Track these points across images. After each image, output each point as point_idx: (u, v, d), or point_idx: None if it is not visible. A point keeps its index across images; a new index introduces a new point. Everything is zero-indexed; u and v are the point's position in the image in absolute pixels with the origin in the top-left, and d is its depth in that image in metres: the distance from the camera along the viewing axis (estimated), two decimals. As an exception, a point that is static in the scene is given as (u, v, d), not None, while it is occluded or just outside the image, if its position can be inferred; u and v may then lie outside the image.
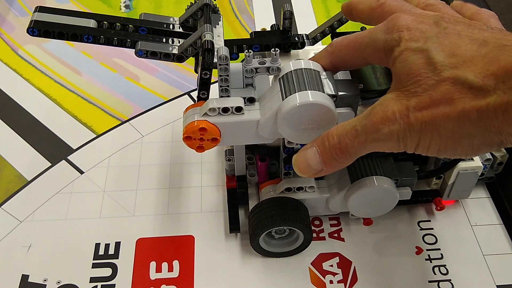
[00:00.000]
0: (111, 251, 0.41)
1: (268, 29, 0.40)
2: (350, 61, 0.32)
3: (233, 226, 0.41)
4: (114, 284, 0.39)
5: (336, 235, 0.42)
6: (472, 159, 0.40)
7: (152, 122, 0.51)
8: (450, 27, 0.28)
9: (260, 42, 0.38)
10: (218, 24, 0.38)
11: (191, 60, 0.38)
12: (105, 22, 0.37)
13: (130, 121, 0.51)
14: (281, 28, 0.39)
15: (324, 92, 0.31)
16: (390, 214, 0.41)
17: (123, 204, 0.44)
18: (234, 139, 0.35)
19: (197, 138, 0.33)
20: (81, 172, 0.47)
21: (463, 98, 0.25)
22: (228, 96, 0.33)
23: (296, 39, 0.38)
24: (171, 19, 0.39)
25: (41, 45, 0.59)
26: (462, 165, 0.39)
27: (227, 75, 0.32)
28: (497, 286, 0.39)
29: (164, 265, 0.40)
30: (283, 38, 0.38)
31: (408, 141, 0.27)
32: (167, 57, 0.36)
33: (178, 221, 0.43)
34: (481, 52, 0.26)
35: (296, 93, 0.31)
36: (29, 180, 0.46)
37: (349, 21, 0.37)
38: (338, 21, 0.38)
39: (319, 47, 0.37)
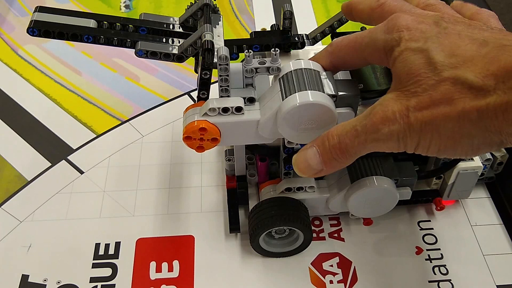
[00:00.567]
0: (111, 251, 0.41)
1: (268, 29, 0.40)
2: (350, 61, 0.32)
3: (233, 226, 0.41)
4: (114, 284, 0.39)
5: (336, 235, 0.42)
6: (472, 159, 0.40)
7: (152, 122, 0.51)
8: (450, 27, 0.28)
9: (260, 42, 0.38)
10: (218, 24, 0.38)
11: (191, 60, 0.38)
12: (105, 22, 0.37)
13: (130, 121, 0.51)
14: (281, 28, 0.39)
15: (324, 92, 0.31)
16: (390, 214, 0.41)
17: (123, 204, 0.44)
18: (234, 139, 0.35)
19: (197, 138, 0.33)
20: (81, 172, 0.47)
21: (463, 98, 0.25)
22: (228, 96, 0.33)
23: (296, 39, 0.38)
24: (171, 19, 0.39)
25: (41, 45, 0.59)
26: (462, 165, 0.39)
27: (227, 75, 0.32)
28: (497, 286, 0.39)
29: (164, 265, 0.40)
30: (283, 38, 0.38)
31: (408, 141, 0.27)
32: (167, 57, 0.36)
33: (178, 221, 0.43)
34: (481, 52, 0.26)
35: (296, 93, 0.31)
36: (29, 180, 0.46)
37: (349, 21, 0.37)
38: (338, 21, 0.38)
39: (319, 47, 0.37)
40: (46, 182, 0.46)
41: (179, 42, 0.36)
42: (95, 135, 0.50)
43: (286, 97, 0.32)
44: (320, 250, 0.41)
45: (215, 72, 0.32)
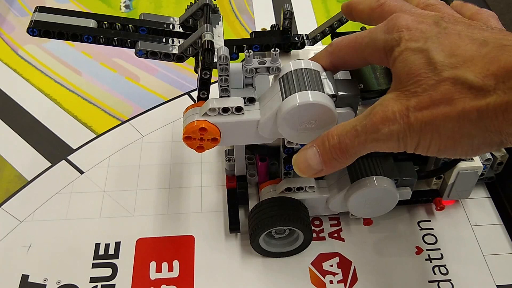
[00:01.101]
0: (111, 251, 0.41)
1: (268, 29, 0.40)
2: (350, 61, 0.32)
3: (233, 226, 0.41)
4: (114, 284, 0.39)
5: (336, 235, 0.42)
6: (472, 159, 0.40)
7: (152, 122, 0.51)
8: (450, 27, 0.28)
9: (260, 42, 0.38)
10: (218, 24, 0.38)
11: (191, 60, 0.38)
12: (105, 22, 0.37)
13: (130, 121, 0.51)
14: (281, 28, 0.39)
15: (324, 92, 0.31)
16: (390, 214, 0.41)
17: (123, 204, 0.44)
18: (234, 139, 0.35)
19: (197, 138, 0.33)
20: (81, 172, 0.47)
21: (463, 98, 0.25)
22: (228, 96, 0.33)
23: (296, 39, 0.38)
24: (171, 19, 0.39)
25: (41, 45, 0.59)
26: (462, 165, 0.39)
27: (227, 75, 0.32)
28: (497, 286, 0.39)
29: (164, 265, 0.40)
30: (283, 38, 0.38)
31: (408, 141, 0.27)
32: (167, 57, 0.36)
33: (178, 221, 0.43)
34: (481, 52, 0.26)
35: (296, 93, 0.31)
36: (29, 180, 0.46)
37: (349, 21, 0.37)
38: (338, 21, 0.38)
39: (319, 47, 0.37)
40: (46, 182, 0.46)
41: (179, 42, 0.36)
42: (95, 135, 0.50)
43: (286, 97, 0.32)
44: (320, 250, 0.41)
45: (215, 72, 0.32)
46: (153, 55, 0.35)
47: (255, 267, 0.40)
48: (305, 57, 0.36)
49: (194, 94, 0.54)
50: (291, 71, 0.33)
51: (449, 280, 0.39)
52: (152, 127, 0.51)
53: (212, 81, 0.34)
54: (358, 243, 0.42)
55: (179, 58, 0.36)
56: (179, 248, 0.41)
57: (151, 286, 0.39)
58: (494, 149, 0.27)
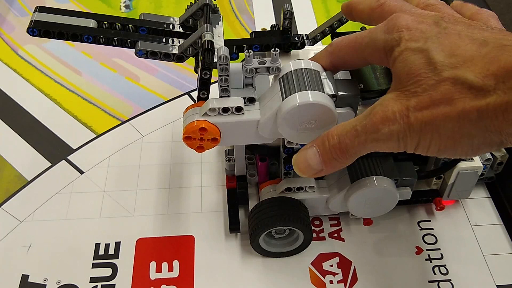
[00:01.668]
0: (111, 251, 0.41)
1: (268, 29, 0.40)
2: (350, 61, 0.32)
3: (233, 226, 0.41)
4: (114, 284, 0.39)
5: (336, 235, 0.42)
6: (472, 159, 0.40)
7: (152, 122, 0.51)
8: (450, 27, 0.28)
9: (260, 42, 0.38)
10: (218, 24, 0.38)
11: (191, 60, 0.38)
12: (105, 22, 0.37)
13: (130, 121, 0.51)
14: (281, 28, 0.39)
15: (324, 92, 0.31)
16: (390, 214, 0.41)
17: (123, 204, 0.44)
18: (234, 139, 0.35)
19: (197, 138, 0.33)
20: (81, 172, 0.47)
21: (463, 98, 0.25)
22: (228, 96, 0.33)
23: (296, 39, 0.38)
24: (171, 19, 0.39)
25: (41, 45, 0.59)
26: (462, 165, 0.39)
27: (227, 75, 0.32)
28: (497, 286, 0.39)
29: (164, 265, 0.40)
30: (283, 38, 0.38)
31: (408, 141, 0.27)
32: (167, 57, 0.36)
33: (178, 221, 0.43)
34: (481, 52, 0.26)
35: (296, 93, 0.31)
36: (29, 180, 0.46)
37: (349, 21, 0.37)
38: (338, 21, 0.38)
39: (319, 47, 0.37)
40: (46, 182, 0.46)
41: (179, 42, 0.36)
42: (95, 135, 0.50)
43: (286, 97, 0.32)
44: (320, 250, 0.41)
45: (215, 72, 0.32)
46: (153, 55, 0.35)
47: (255, 267, 0.40)
48: (305, 57, 0.36)
49: (194, 94, 0.54)
50: (291, 71, 0.33)
51: (449, 280, 0.39)
52: (152, 127, 0.51)
53: (212, 81, 0.34)
54: (358, 243, 0.42)
55: (179, 58, 0.36)
56: (179, 248, 0.41)
57: (151, 286, 0.39)
58: (494, 149, 0.27)
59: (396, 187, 0.37)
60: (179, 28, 0.38)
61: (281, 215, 0.37)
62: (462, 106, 0.25)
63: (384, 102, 0.28)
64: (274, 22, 0.55)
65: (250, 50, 0.33)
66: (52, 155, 0.48)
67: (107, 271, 0.40)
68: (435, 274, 0.40)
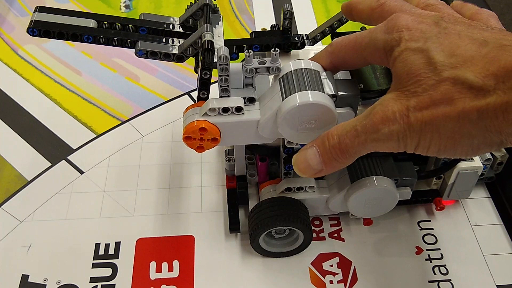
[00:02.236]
0: (111, 251, 0.41)
1: (268, 29, 0.40)
2: (350, 61, 0.32)
3: (233, 226, 0.41)
4: (114, 284, 0.39)
5: (336, 235, 0.42)
6: (472, 159, 0.40)
7: (152, 122, 0.51)
8: (450, 27, 0.28)
9: (260, 42, 0.38)
10: (218, 24, 0.38)
11: (191, 60, 0.38)
12: (105, 22, 0.37)
13: (130, 121, 0.51)
14: (281, 28, 0.39)
15: (324, 92, 0.32)
16: (390, 214, 0.41)
17: (123, 204, 0.44)
18: (234, 139, 0.35)
19: (197, 138, 0.33)
20: (81, 172, 0.47)
21: (463, 98, 0.25)
22: (228, 96, 0.33)
23: (296, 39, 0.38)
24: (171, 19, 0.39)
25: (41, 45, 0.59)
26: (462, 165, 0.39)
27: (227, 75, 0.32)
28: (497, 286, 0.39)
29: (164, 265, 0.40)
30: (283, 38, 0.38)
31: (408, 141, 0.27)
32: (167, 57, 0.36)
33: (178, 221, 0.43)
34: (481, 52, 0.26)
35: (296, 93, 0.31)
36: (29, 180, 0.46)
37: (349, 21, 0.37)
38: (338, 21, 0.38)
39: (319, 47, 0.37)
40: (46, 182, 0.46)
41: (179, 42, 0.36)
42: (95, 135, 0.50)
43: (286, 97, 0.32)
44: (320, 250, 0.41)
45: (215, 72, 0.32)
46: (153, 55, 0.35)
47: (255, 267, 0.40)
48: (305, 57, 0.36)
49: (194, 94, 0.54)
50: (291, 71, 0.33)
51: (449, 280, 0.39)
52: (152, 127, 0.51)
53: (212, 81, 0.34)
54: (358, 243, 0.42)
55: (179, 58, 0.36)
56: (179, 248, 0.41)
57: (151, 286, 0.39)
58: (494, 149, 0.27)
59: (396, 187, 0.37)
60: (179, 28, 0.38)
61: (281, 215, 0.37)
62: (462, 106, 0.25)
63: (384, 102, 0.28)
64: (274, 22, 0.55)
65: (250, 50, 0.33)
66: (52, 155, 0.48)
67: (107, 271, 0.40)
68: (435, 274, 0.40)
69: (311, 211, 0.40)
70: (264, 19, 0.63)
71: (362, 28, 0.38)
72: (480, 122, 0.25)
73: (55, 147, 0.49)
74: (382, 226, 0.43)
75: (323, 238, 0.42)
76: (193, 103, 0.39)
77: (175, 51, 0.36)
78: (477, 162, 0.40)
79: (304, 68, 0.32)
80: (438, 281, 0.39)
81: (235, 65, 0.34)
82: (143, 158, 0.48)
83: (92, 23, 0.36)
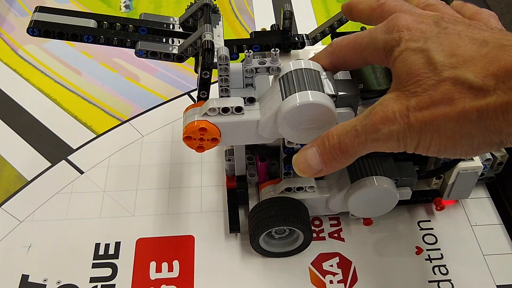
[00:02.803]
0: (111, 251, 0.41)
1: (268, 29, 0.40)
2: (350, 61, 0.32)
3: (233, 226, 0.41)
4: (114, 284, 0.39)
5: (336, 235, 0.42)
6: (472, 159, 0.40)
7: (152, 122, 0.51)
8: (450, 27, 0.28)
9: (260, 42, 0.38)
10: (218, 24, 0.38)
11: (191, 60, 0.38)
12: (105, 22, 0.37)
13: (130, 121, 0.51)
14: (281, 28, 0.39)
15: (324, 92, 0.32)
16: (390, 214, 0.41)
17: (123, 204, 0.44)
18: (234, 139, 0.35)
19: (197, 138, 0.33)
20: (81, 172, 0.47)
21: (463, 98, 0.25)
22: (228, 96, 0.33)
23: (296, 39, 0.38)
24: (171, 19, 0.39)
25: (41, 45, 0.59)
26: (462, 165, 0.39)
27: (227, 75, 0.32)
28: (497, 286, 0.39)
29: (164, 265, 0.40)
30: (283, 38, 0.38)
31: (408, 141, 0.27)
32: (167, 57, 0.36)
33: (178, 221, 0.43)
34: (481, 52, 0.26)
35: (296, 93, 0.31)
36: (29, 180, 0.46)
37: (349, 21, 0.37)
38: (338, 21, 0.38)
39: (319, 47, 0.37)
40: (46, 182, 0.46)
41: (179, 42, 0.36)
42: (95, 135, 0.50)
43: (286, 97, 0.32)
44: (320, 250, 0.41)
45: (215, 72, 0.32)
46: (153, 55, 0.35)
47: (255, 267, 0.40)
48: (305, 57, 0.36)
49: (194, 94, 0.54)
50: (291, 71, 0.33)
51: (449, 280, 0.39)
52: (152, 127, 0.51)
53: (212, 81, 0.34)
54: (358, 243, 0.42)
55: (179, 58, 0.36)
56: (179, 248, 0.41)
57: (151, 286, 0.39)
58: (494, 149, 0.27)
59: (396, 187, 0.37)
60: (179, 28, 0.38)
61: (281, 215, 0.37)
62: (462, 106, 0.25)
63: (384, 102, 0.28)
64: (274, 22, 0.55)
65: (250, 50, 0.33)
66: (52, 155, 0.48)
67: (107, 271, 0.40)
68: (435, 274, 0.40)
69: (311, 211, 0.40)
70: (264, 19, 0.63)
71: (362, 28, 0.38)
72: (480, 122, 0.25)
73: (55, 147, 0.49)
74: (382, 226, 0.43)
75: (323, 238, 0.42)
76: (193, 103, 0.39)
77: (175, 51, 0.36)
78: (477, 162, 0.40)
79: (304, 68, 0.32)
80: (438, 281, 0.39)
81: (235, 65, 0.34)
82: (143, 158, 0.48)
83: (92, 23, 0.36)
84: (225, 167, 0.43)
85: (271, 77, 0.35)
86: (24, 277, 0.40)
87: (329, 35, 0.39)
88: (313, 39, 0.39)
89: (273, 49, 0.33)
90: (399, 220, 0.43)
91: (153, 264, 0.40)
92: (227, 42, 0.37)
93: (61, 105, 0.53)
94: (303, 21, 0.62)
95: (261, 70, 0.33)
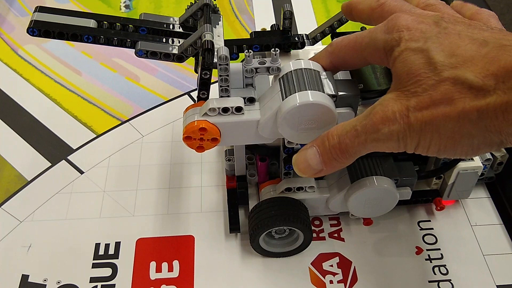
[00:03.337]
0: (111, 251, 0.41)
1: (268, 29, 0.40)
2: (350, 61, 0.32)
3: (233, 226, 0.41)
4: (114, 284, 0.39)
5: (336, 235, 0.42)
6: (472, 159, 0.40)
7: (152, 122, 0.51)
8: (450, 27, 0.28)
9: (260, 42, 0.38)
10: (218, 24, 0.38)
11: (191, 60, 0.38)
12: (105, 22, 0.37)
13: (130, 121, 0.51)
14: (281, 28, 0.39)
15: (324, 92, 0.32)
16: (390, 214, 0.41)
17: (123, 204, 0.44)
18: (234, 139, 0.35)
19: (197, 138, 0.33)
20: (81, 172, 0.47)
21: (463, 98, 0.25)
22: (228, 96, 0.33)
23: (296, 39, 0.38)
24: (171, 19, 0.39)
25: (41, 45, 0.59)
26: (462, 165, 0.39)
27: (227, 75, 0.32)
28: (497, 286, 0.39)
29: (164, 265, 0.40)
30: (283, 38, 0.38)
31: (408, 141, 0.27)
32: (167, 57, 0.36)
33: (178, 221, 0.43)
34: (481, 52, 0.26)
35: (296, 93, 0.31)
36: (29, 180, 0.46)
37: (349, 21, 0.37)
38: (338, 21, 0.38)
39: (319, 47, 0.37)
40: (46, 182, 0.46)
41: (179, 42, 0.36)
42: (95, 135, 0.50)
43: (286, 97, 0.32)
44: (320, 250, 0.41)
45: (215, 72, 0.32)
46: (153, 55, 0.35)
47: (255, 267, 0.40)
48: (305, 57, 0.36)
49: (194, 94, 0.54)
50: (291, 71, 0.33)
51: (449, 280, 0.39)
52: (152, 127, 0.51)
53: (212, 81, 0.34)
54: (358, 243, 0.42)
55: (179, 58, 0.36)
56: (179, 248, 0.41)
57: (151, 286, 0.39)
58: (494, 149, 0.27)
59: (396, 187, 0.37)
60: (179, 28, 0.38)
61: (281, 215, 0.37)
62: (462, 106, 0.25)
63: (384, 102, 0.28)
64: (274, 22, 0.55)
65: (250, 50, 0.33)
66: (52, 155, 0.48)
67: (107, 271, 0.40)
68: (435, 274, 0.40)
69: (311, 211, 0.40)
70: (264, 19, 0.63)
71: (362, 28, 0.38)
72: (480, 122, 0.25)
73: (55, 147, 0.49)
74: (382, 226, 0.43)
75: (323, 238, 0.42)
76: (193, 103, 0.39)
77: (175, 51, 0.36)
78: (477, 162, 0.40)
79: (304, 68, 0.32)
80: (438, 281, 0.39)
81: (235, 65, 0.34)
82: (143, 158, 0.48)
83: (92, 23, 0.36)
84: (225, 167, 0.43)
85: (271, 77, 0.35)
86: (24, 277, 0.40)
87: (329, 35, 0.39)
88: (313, 39, 0.39)
89: (273, 49, 0.33)
90: (399, 220, 0.43)
91: (153, 264, 0.40)
92: (227, 42, 0.37)
93: (61, 105, 0.53)
94: (303, 21, 0.62)
95: (261, 70, 0.33)
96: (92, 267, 0.40)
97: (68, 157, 0.48)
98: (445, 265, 0.40)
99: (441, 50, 0.27)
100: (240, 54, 0.38)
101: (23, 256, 0.41)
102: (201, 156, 0.48)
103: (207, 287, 0.39)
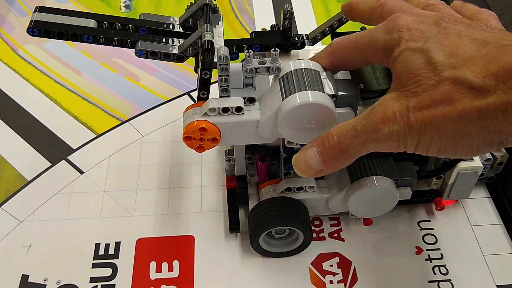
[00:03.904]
0: (111, 251, 0.41)
1: (268, 29, 0.40)
2: (350, 61, 0.32)
3: (233, 226, 0.41)
4: (114, 284, 0.39)
5: (336, 235, 0.42)
6: (472, 159, 0.40)
7: (152, 122, 0.51)
8: (450, 27, 0.28)
9: (260, 42, 0.38)
10: (218, 24, 0.38)
11: (191, 60, 0.38)
12: (105, 22, 0.37)
13: (130, 121, 0.51)
14: (281, 28, 0.39)
15: (324, 92, 0.32)
16: (390, 214, 0.41)
17: (123, 204, 0.44)
18: (234, 139, 0.35)
19: (197, 138, 0.33)
20: (81, 172, 0.47)
21: (463, 98, 0.25)
22: (228, 96, 0.33)
23: (296, 39, 0.38)
24: (171, 19, 0.39)
25: (41, 45, 0.59)
26: (462, 165, 0.39)
27: (227, 75, 0.32)
28: (497, 286, 0.39)
29: (164, 265, 0.40)
30: (283, 38, 0.38)
31: (408, 141, 0.27)
32: (167, 57, 0.36)
33: (178, 221, 0.43)
34: (481, 52, 0.26)
35: (296, 93, 0.31)
36: (29, 180, 0.46)
37: (349, 21, 0.37)
38: (338, 21, 0.38)
39: (319, 47, 0.37)
40: (46, 182, 0.46)
41: (179, 42, 0.36)
42: (95, 135, 0.50)
43: (286, 97, 0.32)
44: (320, 250, 0.41)
45: (215, 72, 0.32)
46: (153, 55, 0.35)
47: (255, 267, 0.40)
48: (305, 57, 0.36)
49: (194, 94, 0.54)
50: (291, 71, 0.33)
51: (449, 280, 0.39)
52: (152, 127, 0.51)
53: (212, 81, 0.34)
54: (358, 243, 0.42)
55: (179, 58, 0.36)
56: (179, 248, 0.41)
57: (151, 286, 0.39)
58: (494, 149, 0.27)
59: (396, 187, 0.37)
60: (179, 28, 0.38)
61: (281, 215, 0.37)
62: (462, 106, 0.25)
63: (384, 102, 0.28)
64: (274, 22, 0.55)
65: (250, 50, 0.33)
66: (52, 155, 0.48)
67: (107, 271, 0.40)
68: (435, 274, 0.40)
69: (311, 211, 0.40)
70: (264, 19, 0.63)
71: (362, 28, 0.38)
72: (480, 122, 0.25)
73: (55, 147, 0.49)
74: (382, 226, 0.43)
75: (323, 238, 0.42)
76: (193, 103, 0.39)
77: (175, 51, 0.36)
78: (477, 162, 0.40)
79: (304, 68, 0.32)
80: (438, 281, 0.39)
81: (235, 65, 0.34)
82: (143, 158, 0.48)
83: (92, 23, 0.36)
84: (225, 167, 0.43)
85: (271, 77, 0.35)
86: (24, 277, 0.40)
87: (329, 35, 0.39)
88: (313, 39, 0.39)
89: (273, 49, 0.33)
90: (399, 220, 0.43)
91: (153, 264, 0.40)
92: (227, 42, 0.37)
93: (61, 105, 0.53)
94: (303, 21, 0.62)
95: (261, 70, 0.33)
96: (92, 267, 0.40)
97: (68, 157, 0.48)
98: (445, 265, 0.40)
99: (441, 50, 0.27)
100: (240, 54, 0.38)
101: (23, 256, 0.41)
102: (201, 156, 0.48)
103: (207, 287, 0.39)
